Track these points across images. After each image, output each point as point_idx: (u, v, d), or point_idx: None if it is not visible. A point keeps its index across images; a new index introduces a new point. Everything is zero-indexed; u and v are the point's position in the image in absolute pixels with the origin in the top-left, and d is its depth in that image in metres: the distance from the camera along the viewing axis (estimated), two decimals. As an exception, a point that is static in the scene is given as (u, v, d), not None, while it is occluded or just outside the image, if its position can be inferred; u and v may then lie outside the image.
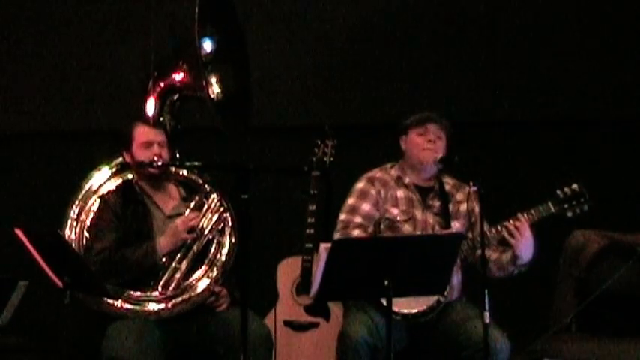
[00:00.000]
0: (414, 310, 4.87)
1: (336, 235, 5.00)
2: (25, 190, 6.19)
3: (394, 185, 5.09)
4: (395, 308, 4.52)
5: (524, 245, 4.87)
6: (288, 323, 5.25)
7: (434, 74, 6.26)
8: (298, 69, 6.26)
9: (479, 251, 4.83)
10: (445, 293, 4.83)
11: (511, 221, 4.89)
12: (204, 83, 5.10)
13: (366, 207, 5.05)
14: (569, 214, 4.91)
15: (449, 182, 5.14)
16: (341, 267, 4.25)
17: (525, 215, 4.89)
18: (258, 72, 5.51)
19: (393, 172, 5.12)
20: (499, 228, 4.90)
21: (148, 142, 4.93)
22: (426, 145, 5.01)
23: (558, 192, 4.91)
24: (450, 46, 6.27)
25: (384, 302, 4.41)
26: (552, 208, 4.89)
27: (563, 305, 5.47)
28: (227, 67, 5.30)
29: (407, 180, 5.09)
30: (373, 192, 5.07)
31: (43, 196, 6.04)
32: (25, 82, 6.20)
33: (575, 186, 4.92)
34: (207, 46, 5.25)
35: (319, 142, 5.39)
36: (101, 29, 6.19)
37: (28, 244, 4.58)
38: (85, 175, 5.12)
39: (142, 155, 4.92)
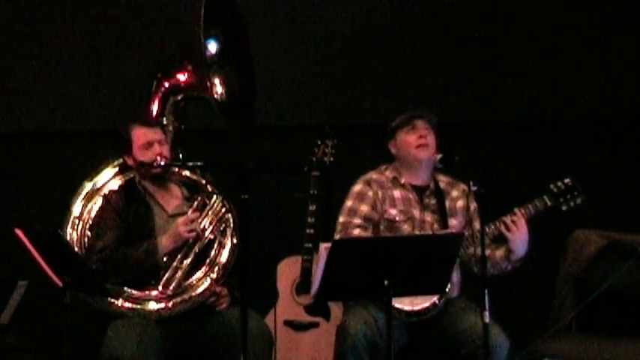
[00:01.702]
0: (416, 308, 4.87)
1: (337, 237, 4.99)
2: (25, 190, 6.19)
3: (390, 186, 5.09)
4: (396, 304, 4.51)
5: (520, 239, 4.89)
6: (288, 323, 5.26)
7: (434, 74, 6.26)
8: (298, 69, 6.26)
9: (471, 250, 4.88)
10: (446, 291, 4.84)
11: (508, 216, 4.90)
12: (208, 84, 5.11)
13: (364, 208, 5.05)
14: (564, 208, 4.93)
15: (443, 180, 5.15)
16: (341, 267, 4.25)
17: (522, 210, 4.91)
18: (258, 72, 5.51)
19: (388, 174, 5.13)
20: (497, 224, 4.91)
21: (147, 142, 4.93)
22: (417, 141, 5.02)
23: (552, 186, 4.95)
24: (450, 47, 6.27)
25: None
26: (548, 201, 4.92)
27: (563, 305, 5.47)
28: (231, 67, 5.30)
29: (403, 180, 5.10)
30: (370, 194, 5.07)
31: (43, 196, 6.04)
32: (25, 82, 6.20)
33: (567, 180, 4.95)
34: (212, 47, 5.25)
35: (319, 142, 5.39)
36: (102, 29, 6.19)
37: (28, 244, 4.58)
38: (87, 174, 5.12)
39: (143, 156, 4.92)
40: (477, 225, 4.79)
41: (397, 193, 5.09)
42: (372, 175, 5.14)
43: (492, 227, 4.91)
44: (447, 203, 5.10)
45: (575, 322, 5.39)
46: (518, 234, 4.88)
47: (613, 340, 5.21)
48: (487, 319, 4.51)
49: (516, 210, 4.91)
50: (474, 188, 4.70)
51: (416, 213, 5.06)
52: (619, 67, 6.23)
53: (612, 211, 5.87)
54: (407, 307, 4.84)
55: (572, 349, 5.18)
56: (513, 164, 6.25)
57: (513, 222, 4.88)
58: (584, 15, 6.24)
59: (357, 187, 5.11)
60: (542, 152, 6.27)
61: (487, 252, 4.88)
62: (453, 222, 5.06)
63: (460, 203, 5.08)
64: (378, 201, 5.06)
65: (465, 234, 4.87)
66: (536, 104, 6.28)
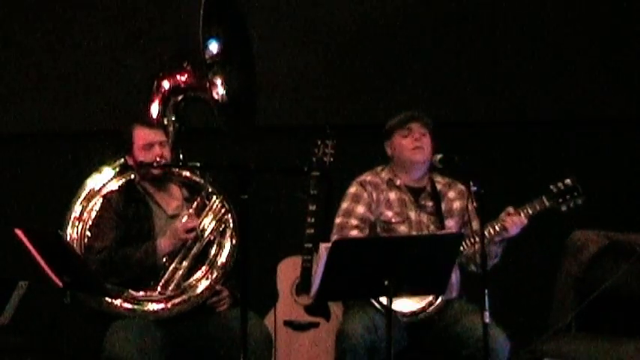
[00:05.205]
0: (413, 309, 4.87)
1: (333, 238, 4.99)
2: (25, 190, 6.19)
3: (386, 187, 5.11)
4: (393, 307, 4.51)
5: (515, 232, 4.87)
6: (288, 323, 5.25)
7: (433, 74, 6.26)
8: (299, 69, 6.26)
9: (468, 250, 4.87)
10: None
11: (508, 215, 4.88)
12: (207, 84, 5.10)
13: (360, 209, 5.06)
14: (564, 208, 4.91)
15: (440, 181, 5.16)
16: (341, 267, 4.25)
17: (519, 211, 4.89)
18: (258, 72, 5.51)
19: (384, 175, 5.14)
20: (496, 228, 4.89)
21: (148, 143, 4.93)
22: (413, 144, 5.02)
23: (552, 187, 4.92)
24: (450, 47, 6.27)
25: (384, 302, 4.42)
26: (546, 202, 4.90)
27: (563, 305, 5.47)
28: (232, 68, 5.29)
29: (398, 182, 5.10)
30: (365, 195, 5.09)
31: (43, 196, 6.04)
32: (25, 82, 6.20)
33: (568, 180, 4.92)
34: (213, 47, 5.25)
35: (319, 142, 5.39)
36: (103, 29, 6.19)
37: (28, 244, 4.58)
38: (87, 174, 5.12)
39: (143, 157, 4.92)
40: (475, 225, 4.77)
41: (392, 195, 5.09)
42: (367, 176, 5.16)
43: (490, 228, 4.88)
44: (444, 205, 5.10)
45: (575, 322, 5.39)
46: (516, 230, 4.87)
47: (613, 340, 5.21)
48: (487, 320, 4.51)
49: (510, 209, 4.89)
50: (473, 189, 4.70)
51: (412, 214, 5.07)
52: (619, 67, 6.23)
53: (612, 211, 5.87)
54: (402, 309, 4.83)
55: (572, 349, 5.19)
56: (513, 164, 6.24)
57: (514, 223, 4.85)
58: (583, 15, 6.24)
59: (352, 189, 5.14)
60: (542, 152, 6.27)
61: (477, 246, 4.88)
62: (450, 223, 5.07)
63: (457, 204, 5.09)
64: (373, 202, 5.08)
65: (463, 234, 4.87)
66: (535, 104, 6.28)
